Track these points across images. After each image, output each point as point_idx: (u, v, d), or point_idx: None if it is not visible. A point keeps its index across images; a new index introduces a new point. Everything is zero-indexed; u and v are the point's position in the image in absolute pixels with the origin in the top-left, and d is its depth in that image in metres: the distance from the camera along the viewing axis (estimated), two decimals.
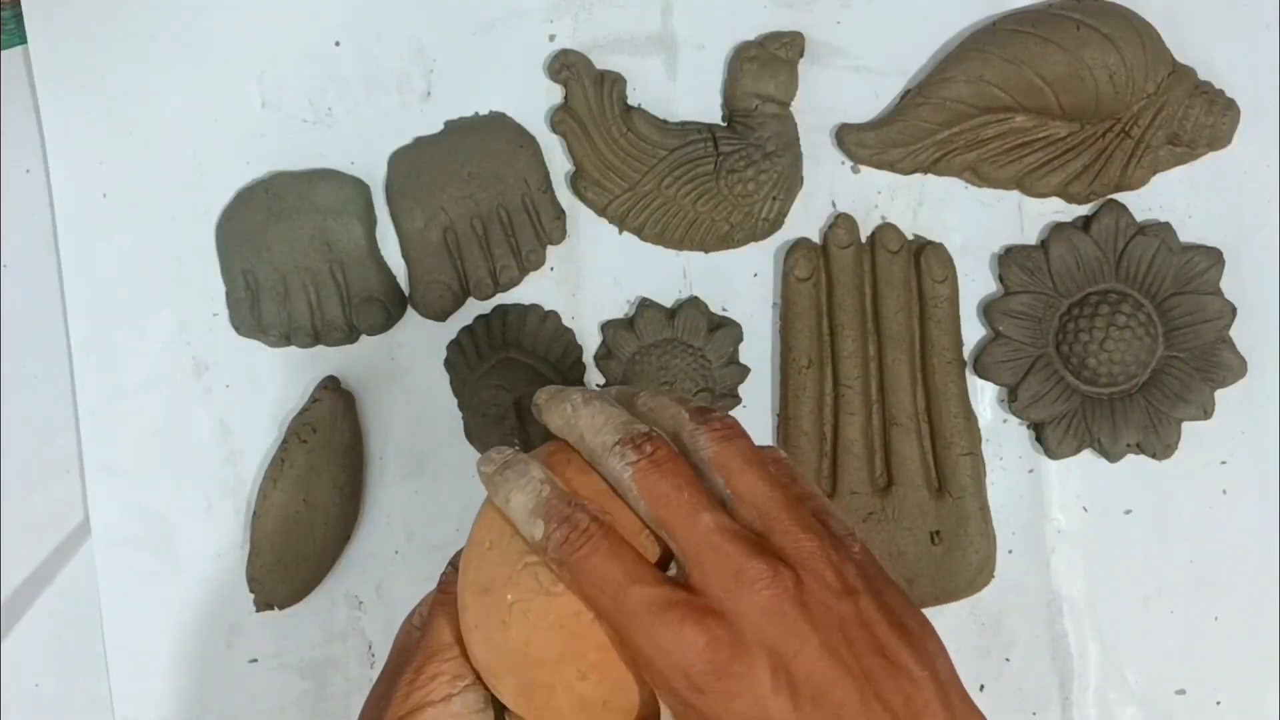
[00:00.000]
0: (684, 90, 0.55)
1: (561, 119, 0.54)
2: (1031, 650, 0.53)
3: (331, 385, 0.53)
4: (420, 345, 0.54)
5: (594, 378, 0.54)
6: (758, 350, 0.54)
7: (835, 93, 0.54)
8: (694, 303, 0.54)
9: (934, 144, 0.53)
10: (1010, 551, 0.54)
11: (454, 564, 0.39)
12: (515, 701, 0.35)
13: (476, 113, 0.55)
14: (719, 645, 0.31)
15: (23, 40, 0.55)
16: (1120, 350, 0.52)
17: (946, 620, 0.53)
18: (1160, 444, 0.53)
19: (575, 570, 0.33)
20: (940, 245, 0.54)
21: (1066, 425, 0.53)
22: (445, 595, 0.38)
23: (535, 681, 0.34)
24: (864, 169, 0.55)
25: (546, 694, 0.34)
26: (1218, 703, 0.53)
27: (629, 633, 0.32)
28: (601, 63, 0.54)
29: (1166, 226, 0.53)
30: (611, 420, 0.35)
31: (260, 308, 0.54)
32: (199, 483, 0.54)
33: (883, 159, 0.54)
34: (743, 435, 0.35)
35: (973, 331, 0.54)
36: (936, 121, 0.53)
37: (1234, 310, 0.53)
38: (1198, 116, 0.52)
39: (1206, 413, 0.53)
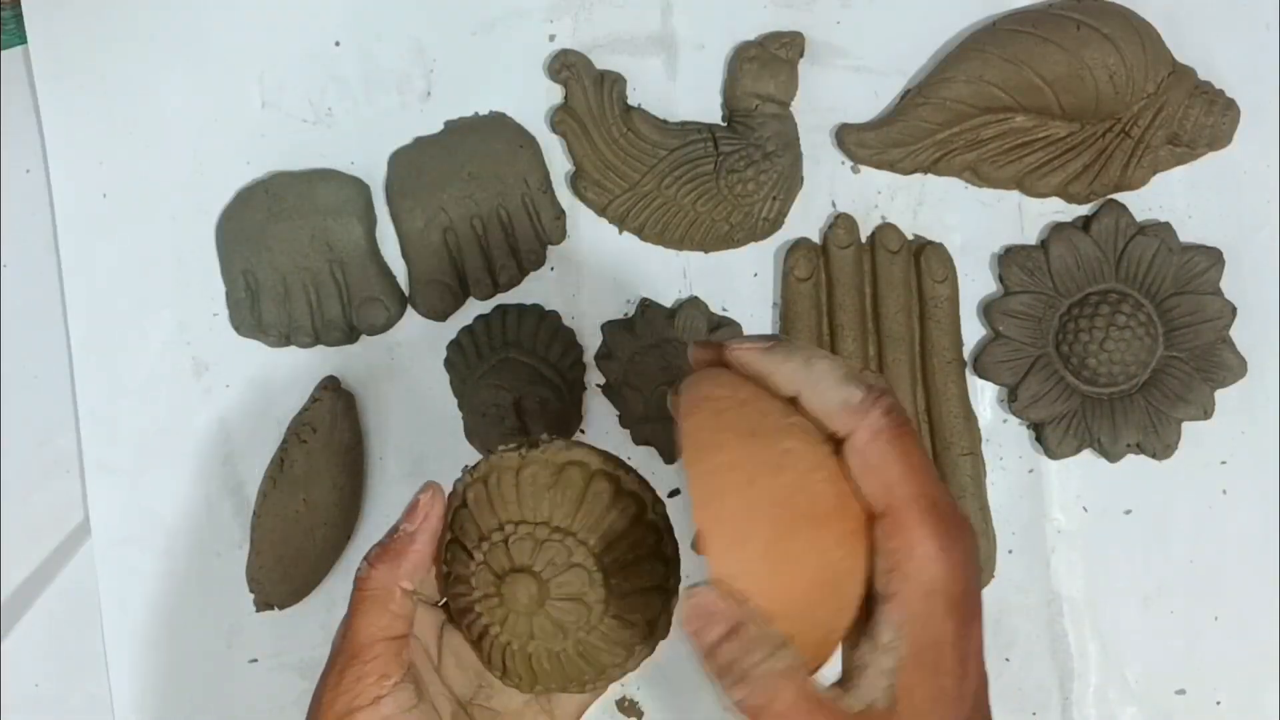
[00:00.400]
0: (684, 90, 0.55)
1: (561, 119, 0.54)
2: (1031, 650, 0.53)
3: (331, 385, 0.53)
4: (420, 345, 0.54)
5: (594, 377, 0.54)
6: None
7: (835, 93, 0.54)
8: (694, 303, 0.54)
9: (934, 144, 0.53)
10: (1010, 551, 0.54)
11: (369, 560, 0.38)
12: (748, 564, 0.31)
13: (476, 113, 0.55)
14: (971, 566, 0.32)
15: (23, 40, 0.55)
16: (1120, 350, 0.52)
17: None
18: (1160, 444, 0.53)
19: (899, 445, 0.31)
20: (940, 245, 0.54)
21: (1066, 425, 0.53)
22: (361, 594, 0.37)
23: (788, 539, 0.31)
24: (864, 169, 0.55)
25: (795, 556, 0.31)
26: (1218, 703, 0.53)
27: (921, 519, 0.31)
28: (601, 63, 0.54)
29: (1166, 226, 0.53)
30: (850, 376, 0.33)
31: (260, 308, 0.54)
32: (199, 483, 0.54)
33: (883, 159, 0.54)
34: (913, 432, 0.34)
35: (973, 331, 0.54)
36: (936, 121, 0.53)
37: (1234, 310, 0.53)
38: (1198, 116, 0.52)
39: (1206, 413, 0.52)
